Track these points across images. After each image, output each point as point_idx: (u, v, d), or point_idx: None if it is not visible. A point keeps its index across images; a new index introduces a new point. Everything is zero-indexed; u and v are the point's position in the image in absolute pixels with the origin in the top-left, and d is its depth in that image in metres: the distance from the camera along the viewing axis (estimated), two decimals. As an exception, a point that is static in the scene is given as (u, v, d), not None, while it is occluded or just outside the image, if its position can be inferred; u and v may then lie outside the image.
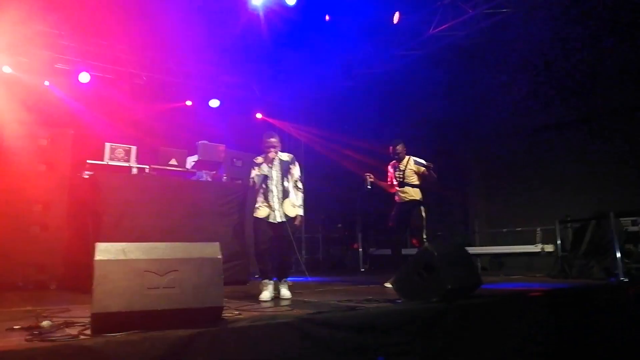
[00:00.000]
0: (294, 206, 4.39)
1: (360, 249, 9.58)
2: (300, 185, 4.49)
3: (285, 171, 4.42)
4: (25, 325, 2.50)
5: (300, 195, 4.46)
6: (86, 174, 5.67)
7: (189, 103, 9.65)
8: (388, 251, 6.41)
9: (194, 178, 6.33)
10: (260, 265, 4.31)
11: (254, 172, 4.39)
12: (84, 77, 8.07)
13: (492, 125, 8.68)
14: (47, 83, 7.98)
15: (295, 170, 4.49)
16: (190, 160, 6.53)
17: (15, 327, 2.49)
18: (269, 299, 4.13)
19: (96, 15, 7.54)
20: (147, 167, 5.99)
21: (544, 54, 7.71)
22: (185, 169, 6.34)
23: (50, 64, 8.26)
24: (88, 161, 5.71)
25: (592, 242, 6.21)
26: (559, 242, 6.58)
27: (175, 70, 9.45)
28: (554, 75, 7.65)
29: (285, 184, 4.40)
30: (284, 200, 4.36)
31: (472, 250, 8.10)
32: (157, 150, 6.23)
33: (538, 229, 7.33)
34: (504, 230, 8.10)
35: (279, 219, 4.32)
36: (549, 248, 7.09)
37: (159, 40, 8.57)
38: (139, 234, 5.43)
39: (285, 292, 4.33)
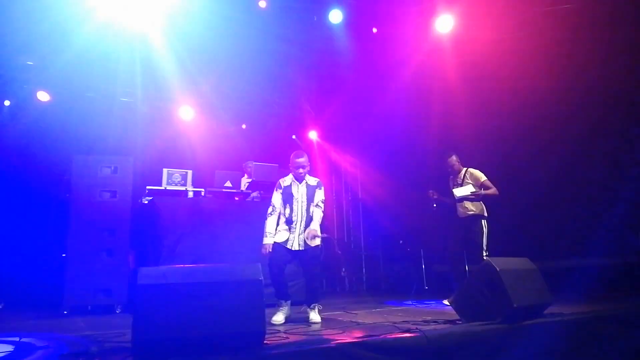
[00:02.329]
0: (316, 235, 4.17)
1: (424, 266, 9.21)
2: (322, 204, 4.27)
3: (310, 197, 4.23)
4: (74, 351, 2.53)
5: (319, 212, 4.23)
6: (146, 200, 5.88)
7: (243, 126, 9.85)
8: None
9: (248, 199, 6.38)
10: (275, 285, 4.14)
11: (277, 198, 4.24)
12: (142, 107, 8.53)
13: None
14: (110, 114, 8.46)
15: (319, 194, 4.29)
16: (245, 182, 6.60)
17: (64, 353, 2.52)
18: (282, 322, 4.01)
19: (156, 50, 7.93)
20: (203, 190, 6.11)
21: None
22: (240, 191, 6.41)
23: (115, 97, 8.78)
24: (147, 187, 5.93)
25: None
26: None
27: (230, 95, 9.70)
28: None
29: (311, 209, 4.21)
30: (306, 227, 4.17)
31: (548, 263, 7.49)
32: (213, 173, 6.36)
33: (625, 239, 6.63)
34: (584, 240, 7.40)
35: (296, 247, 4.14)
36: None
37: (214, 67, 8.87)
38: (197, 256, 5.54)
39: (314, 317, 4.12)
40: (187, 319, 2.38)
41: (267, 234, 4.16)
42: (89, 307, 5.80)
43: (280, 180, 4.34)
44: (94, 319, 4.96)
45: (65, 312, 5.44)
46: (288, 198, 4.21)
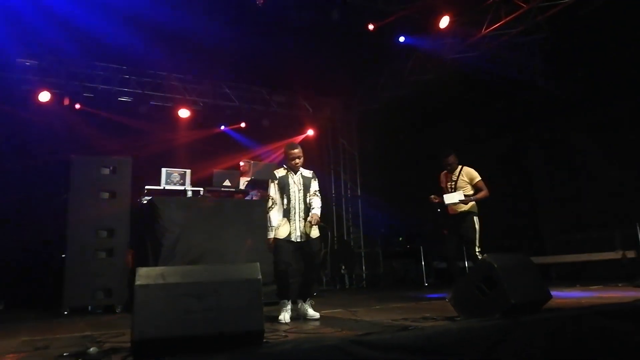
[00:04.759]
0: (318, 221, 4.14)
1: (423, 263, 9.24)
2: (319, 194, 4.26)
3: (307, 187, 4.22)
4: (74, 352, 2.54)
5: (318, 200, 4.20)
6: (145, 200, 5.89)
7: (242, 125, 9.84)
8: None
9: (246, 198, 6.39)
10: (280, 286, 4.13)
11: (273, 189, 4.17)
12: (142, 108, 8.53)
13: (559, 122, 8.11)
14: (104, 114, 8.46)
15: (314, 185, 4.28)
16: (244, 181, 6.60)
17: (64, 354, 2.53)
18: (289, 321, 3.97)
19: (153, 49, 7.93)
20: (202, 189, 6.12)
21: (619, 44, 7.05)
22: (239, 190, 6.42)
23: (113, 97, 8.78)
24: (146, 187, 5.94)
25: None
26: (642, 246, 5.96)
27: (229, 94, 9.71)
28: (634, 64, 6.95)
29: (307, 199, 4.19)
30: (306, 217, 4.13)
31: (543, 259, 7.55)
32: (211, 173, 6.36)
33: (617, 233, 6.68)
34: (578, 236, 7.46)
35: (298, 239, 4.10)
36: (631, 254, 6.43)
37: (213, 67, 8.87)
38: (196, 255, 5.55)
39: (311, 313, 4.12)
40: (186, 319, 2.39)
41: (271, 227, 4.09)
42: (89, 307, 5.81)
43: (275, 172, 4.28)
44: (94, 319, 4.97)
45: (65, 313, 5.45)
46: (284, 187, 4.17)
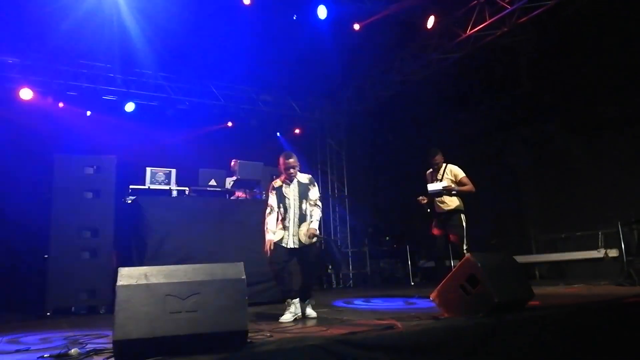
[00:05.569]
0: (315, 234, 4.20)
1: (410, 262, 9.29)
2: (320, 203, 4.31)
3: (303, 194, 4.26)
4: (55, 353, 2.50)
5: (318, 211, 4.26)
6: (129, 199, 5.83)
7: (230, 124, 9.79)
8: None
9: (233, 197, 6.35)
10: (280, 285, 4.18)
11: (272, 199, 4.28)
12: (129, 107, 8.45)
13: (545, 123, 8.21)
14: (89, 113, 8.36)
15: (314, 192, 4.32)
16: (230, 180, 6.57)
17: (45, 355, 2.50)
18: (291, 320, 3.99)
19: (139, 48, 7.84)
20: (187, 189, 6.08)
21: (602, 44, 7.13)
22: (225, 189, 6.38)
23: (98, 95, 8.67)
24: (131, 186, 5.87)
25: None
26: (623, 246, 6.05)
27: (215, 94, 9.64)
28: (618, 66, 7.04)
29: (304, 206, 4.23)
30: (300, 224, 4.20)
31: (528, 258, 7.64)
32: (197, 172, 6.32)
33: (600, 233, 6.78)
34: (563, 235, 7.57)
35: (292, 245, 4.16)
36: (613, 253, 6.53)
37: (199, 66, 8.81)
38: (182, 255, 5.50)
39: (310, 312, 4.23)
40: (169, 319, 2.37)
41: (269, 231, 4.19)
42: (73, 307, 5.74)
43: (273, 183, 4.39)
44: (77, 320, 4.92)
45: (48, 313, 5.38)
46: (281, 199, 4.25)
